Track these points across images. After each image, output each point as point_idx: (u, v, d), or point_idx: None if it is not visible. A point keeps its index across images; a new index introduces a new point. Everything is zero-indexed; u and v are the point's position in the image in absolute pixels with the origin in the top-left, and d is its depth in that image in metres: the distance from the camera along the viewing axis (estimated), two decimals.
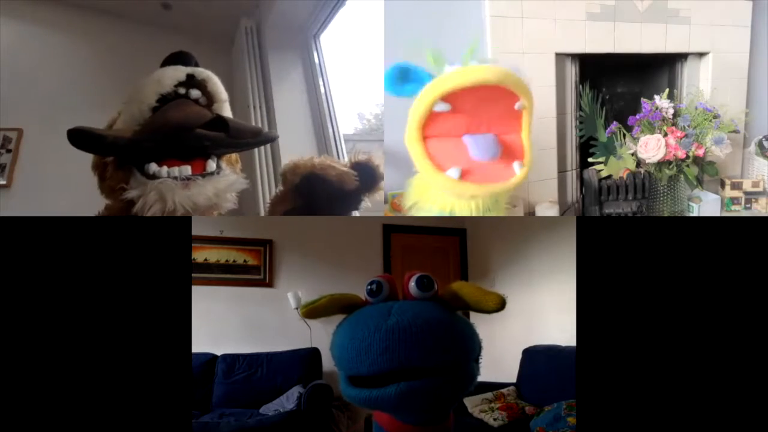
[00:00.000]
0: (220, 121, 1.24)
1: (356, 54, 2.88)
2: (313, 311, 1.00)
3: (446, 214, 1.41)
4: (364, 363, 0.86)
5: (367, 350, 0.86)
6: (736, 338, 1.20)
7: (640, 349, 1.22)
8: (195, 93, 1.26)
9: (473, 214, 1.39)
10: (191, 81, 1.25)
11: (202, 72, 1.29)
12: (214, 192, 1.23)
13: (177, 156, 1.22)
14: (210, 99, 1.29)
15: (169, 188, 1.17)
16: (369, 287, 0.99)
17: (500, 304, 0.94)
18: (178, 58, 1.30)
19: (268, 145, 2.65)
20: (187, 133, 1.18)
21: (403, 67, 1.34)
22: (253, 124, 2.64)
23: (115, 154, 1.24)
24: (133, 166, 1.22)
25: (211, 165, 1.27)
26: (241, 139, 1.29)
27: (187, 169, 1.21)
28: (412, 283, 0.98)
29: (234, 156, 1.50)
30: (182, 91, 1.24)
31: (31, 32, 2.63)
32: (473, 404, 2.47)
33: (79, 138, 1.15)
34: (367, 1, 2.34)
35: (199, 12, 2.86)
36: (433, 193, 1.43)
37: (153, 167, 1.19)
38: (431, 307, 0.93)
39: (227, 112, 1.31)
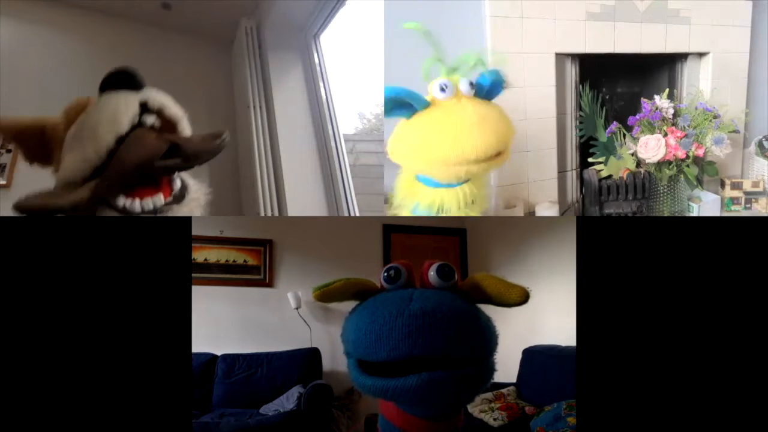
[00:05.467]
0: (177, 148, 1.19)
1: (356, 54, 2.88)
2: (326, 294, 0.94)
3: (434, 209, 1.41)
4: (384, 348, 0.81)
5: (388, 334, 0.81)
6: (736, 338, 1.20)
7: (640, 349, 1.22)
8: (150, 119, 1.20)
9: (461, 204, 1.39)
10: (144, 107, 1.20)
11: (155, 99, 1.21)
12: (188, 212, 1.21)
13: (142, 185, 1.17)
14: (168, 122, 1.25)
15: None
16: (386, 273, 0.95)
17: (524, 297, 0.91)
18: (122, 79, 1.20)
19: (268, 145, 2.65)
20: (146, 169, 1.14)
21: (393, 96, 1.34)
22: (253, 124, 2.64)
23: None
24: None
25: (177, 183, 1.23)
26: (198, 159, 1.24)
27: (159, 199, 1.16)
28: (432, 272, 0.94)
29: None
30: (136, 120, 1.17)
31: (31, 32, 2.62)
32: (473, 404, 2.47)
33: (35, 214, 1.10)
34: (367, 1, 2.34)
35: (199, 12, 2.86)
36: (420, 189, 1.43)
37: (123, 201, 1.14)
38: (453, 297, 0.89)
39: (188, 126, 1.29)
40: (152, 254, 1.22)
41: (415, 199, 1.44)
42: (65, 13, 2.72)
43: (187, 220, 1.22)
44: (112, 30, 2.82)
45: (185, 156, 1.19)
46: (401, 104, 1.35)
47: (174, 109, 1.25)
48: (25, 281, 1.20)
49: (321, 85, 2.86)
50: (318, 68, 2.88)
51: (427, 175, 1.41)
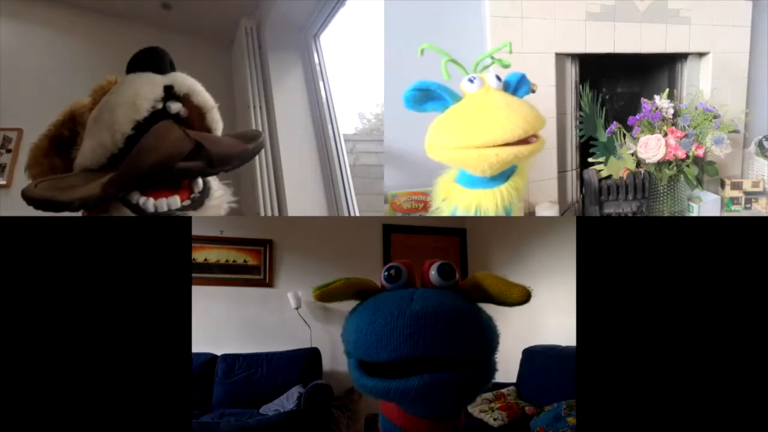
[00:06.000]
0: (202, 149, 1.06)
1: (356, 54, 2.89)
2: (326, 294, 0.93)
3: (471, 211, 1.42)
4: (385, 349, 0.80)
5: (389, 335, 0.79)
6: (736, 338, 1.20)
7: (640, 349, 1.22)
8: (175, 106, 1.09)
9: (498, 208, 1.39)
10: (170, 92, 1.08)
11: (183, 83, 1.10)
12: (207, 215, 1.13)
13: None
14: (197, 112, 1.13)
15: None
16: (387, 272, 0.94)
17: (525, 297, 0.91)
18: (148, 59, 1.09)
19: (268, 145, 2.65)
20: (165, 170, 1.02)
21: (424, 87, 1.36)
22: (253, 124, 2.64)
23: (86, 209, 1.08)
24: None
25: (198, 184, 1.13)
26: (226, 164, 1.13)
27: (175, 201, 1.07)
28: (432, 271, 0.94)
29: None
30: (159, 106, 1.06)
31: (31, 32, 2.63)
32: (473, 404, 2.47)
33: (40, 206, 1.00)
34: (367, 1, 2.34)
35: (199, 12, 2.86)
36: (459, 191, 1.44)
37: (137, 197, 1.05)
38: (454, 296, 0.88)
39: (218, 119, 1.18)
40: (152, 254, 1.22)
41: (453, 202, 1.45)
42: (65, 13, 2.73)
43: (187, 220, 1.22)
44: (112, 30, 2.82)
45: (210, 160, 1.07)
46: (434, 97, 1.38)
47: (203, 96, 1.13)
48: (25, 281, 1.19)
49: (321, 85, 2.86)
50: (318, 68, 2.88)
51: (461, 165, 1.42)
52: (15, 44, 2.55)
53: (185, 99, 1.10)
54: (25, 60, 2.57)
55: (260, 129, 2.64)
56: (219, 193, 1.17)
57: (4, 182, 2.36)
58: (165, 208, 1.06)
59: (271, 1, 2.70)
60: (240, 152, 1.16)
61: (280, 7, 2.70)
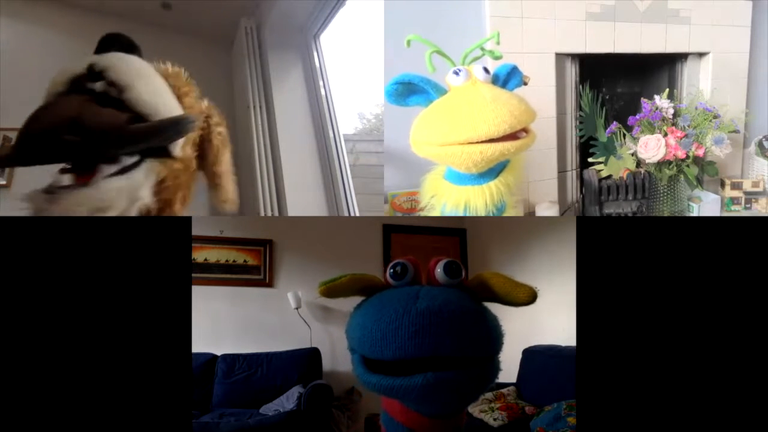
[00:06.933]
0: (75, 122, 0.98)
1: (356, 54, 2.89)
2: (332, 289, 0.93)
3: (461, 208, 1.39)
4: (390, 347, 0.79)
5: (394, 333, 0.79)
6: (736, 338, 1.20)
7: (640, 349, 1.22)
8: (98, 85, 1.05)
9: (487, 205, 1.36)
10: (92, 71, 1.05)
11: (102, 61, 1.07)
12: (98, 201, 1.00)
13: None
14: (118, 90, 1.06)
15: (35, 201, 0.99)
16: (392, 269, 0.94)
17: (532, 297, 0.90)
18: (108, 44, 1.12)
19: (268, 145, 2.65)
20: (50, 143, 0.96)
21: (406, 80, 1.32)
22: (253, 124, 2.64)
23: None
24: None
25: (109, 169, 1.03)
26: (104, 141, 0.99)
27: (59, 180, 1.02)
28: (439, 269, 0.94)
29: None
30: (87, 85, 1.04)
31: (31, 32, 2.63)
32: (473, 404, 2.47)
33: None
34: (367, 1, 2.34)
35: (199, 12, 2.86)
36: (447, 188, 1.42)
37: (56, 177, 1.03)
38: (460, 295, 0.88)
39: (138, 97, 1.07)
40: (152, 254, 1.22)
41: (441, 199, 1.42)
42: (65, 13, 2.73)
43: (187, 220, 1.22)
44: (112, 30, 2.81)
45: (85, 133, 0.95)
46: (417, 91, 1.34)
47: (118, 73, 1.06)
48: (25, 281, 1.19)
49: (321, 85, 2.86)
50: (318, 68, 2.88)
51: (445, 162, 1.38)
52: (15, 44, 2.54)
53: (104, 75, 1.06)
54: (25, 60, 2.57)
55: (260, 129, 2.64)
56: (114, 185, 1.02)
57: (4, 182, 2.36)
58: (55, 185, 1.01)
59: (271, 1, 2.70)
60: (116, 127, 1.00)
61: (280, 7, 2.70)
